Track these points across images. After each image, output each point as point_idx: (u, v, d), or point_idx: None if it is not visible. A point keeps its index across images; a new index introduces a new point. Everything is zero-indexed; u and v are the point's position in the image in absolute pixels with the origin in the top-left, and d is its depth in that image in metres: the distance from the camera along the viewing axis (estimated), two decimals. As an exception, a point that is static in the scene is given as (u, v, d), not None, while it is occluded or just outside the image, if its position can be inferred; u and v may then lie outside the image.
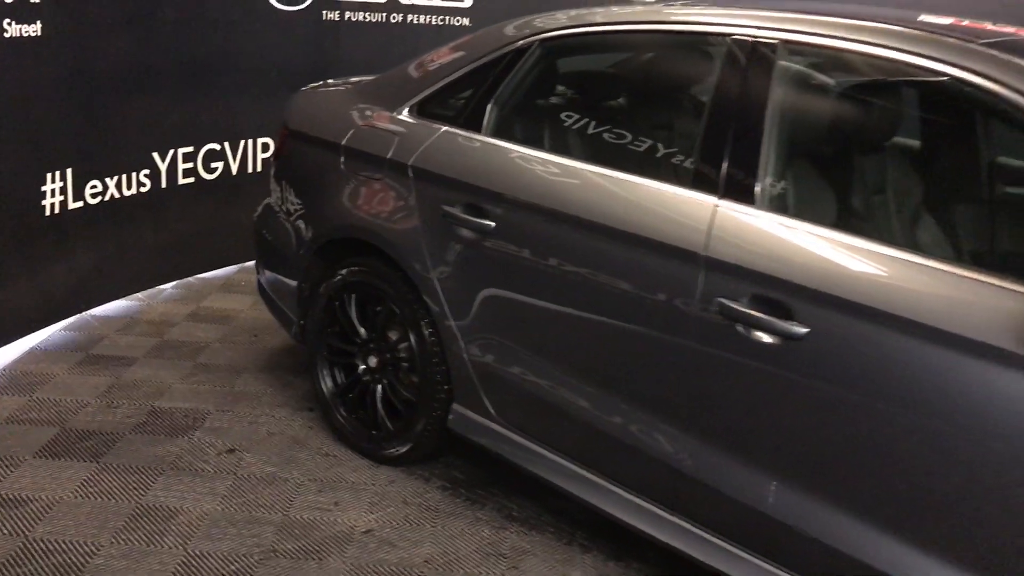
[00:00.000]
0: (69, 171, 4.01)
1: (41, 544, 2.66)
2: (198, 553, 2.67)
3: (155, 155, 4.48)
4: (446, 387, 2.96)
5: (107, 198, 4.24)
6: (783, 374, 2.16)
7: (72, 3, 3.87)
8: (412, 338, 3.01)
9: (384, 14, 5.30)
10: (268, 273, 3.59)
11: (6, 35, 3.57)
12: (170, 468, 3.11)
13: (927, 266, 2.00)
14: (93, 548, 2.66)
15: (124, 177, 4.32)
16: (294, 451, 3.26)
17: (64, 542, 2.68)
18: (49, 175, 3.90)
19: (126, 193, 4.35)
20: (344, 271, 3.17)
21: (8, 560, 2.57)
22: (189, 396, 3.61)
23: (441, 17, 5.28)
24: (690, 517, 2.42)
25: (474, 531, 2.88)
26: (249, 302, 4.52)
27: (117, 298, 4.45)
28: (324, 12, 5.17)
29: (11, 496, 2.87)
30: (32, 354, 3.89)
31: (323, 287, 3.23)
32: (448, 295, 2.86)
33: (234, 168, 4.91)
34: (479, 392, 2.87)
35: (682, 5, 2.77)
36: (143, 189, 4.45)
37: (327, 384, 3.30)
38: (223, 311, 4.49)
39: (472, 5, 5.24)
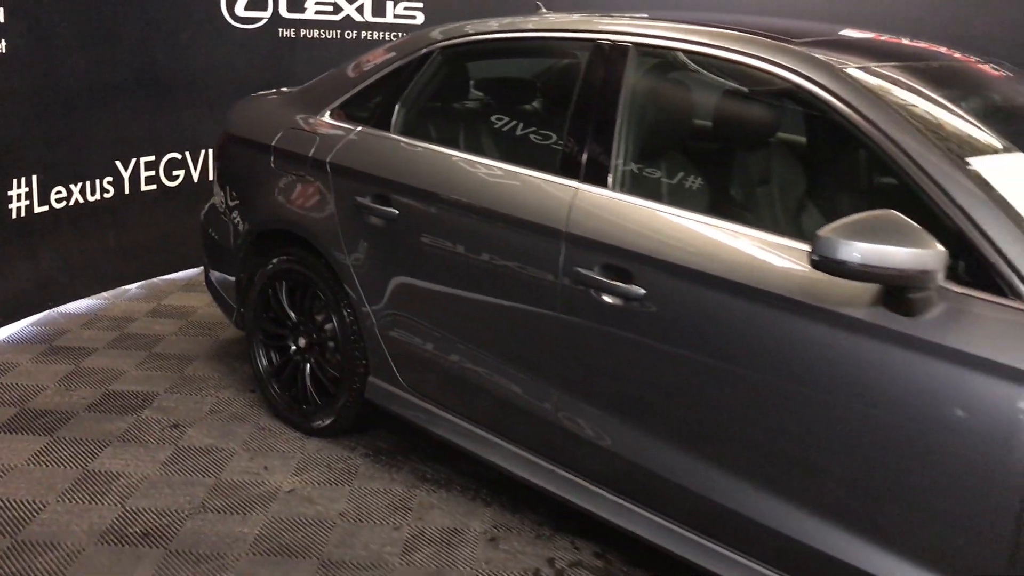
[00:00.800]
0: (35, 177, 4.34)
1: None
2: (134, 508, 2.99)
3: (118, 163, 4.82)
4: (364, 362, 3.28)
5: (71, 203, 4.58)
6: (628, 331, 2.48)
7: (37, 23, 4.22)
8: (335, 319, 3.33)
9: (339, 31, 5.66)
10: (212, 267, 3.92)
11: (-28, 53, 3.92)
12: (117, 440, 3.42)
13: (737, 231, 2.33)
14: (41, 505, 2.97)
15: (88, 184, 4.65)
16: (233, 426, 3.58)
17: (16, 501, 2.99)
18: (15, 181, 4.24)
19: (90, 199, 4.69)
20: (275, 260, 3.49)
21: (-37, 515, 2.89)
22: (142, 380, 3.93)
23: (394, 33, 5.63)
24: (563, 464, 2.74)
25: (388, 490, 3.19)
26: (207, 300, 4.83)
27: (83, 296, 4.78)
28: (280, 30, 5.53)
29: (-30, 464, 3.19)
30: (7, 344, 4.21)
31: (257, 276, 3.56)
32: (362, 278, 3.18)
33: (195, 176, 5.25)
34: (391, 365, 3.19)
35: (563, 15, 3.10)
36: (107, 196, 4.78)
37: (263, 364, 3.63)
38: (182, 308, 4.82)
39: (424, 21, 5.59)
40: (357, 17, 5.67)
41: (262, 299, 3.58)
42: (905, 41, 2.93)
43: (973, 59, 2.91)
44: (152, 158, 5.01)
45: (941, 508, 2.02)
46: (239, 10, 5.30)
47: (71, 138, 4.52)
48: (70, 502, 3.01)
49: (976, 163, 2.16)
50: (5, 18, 4.05)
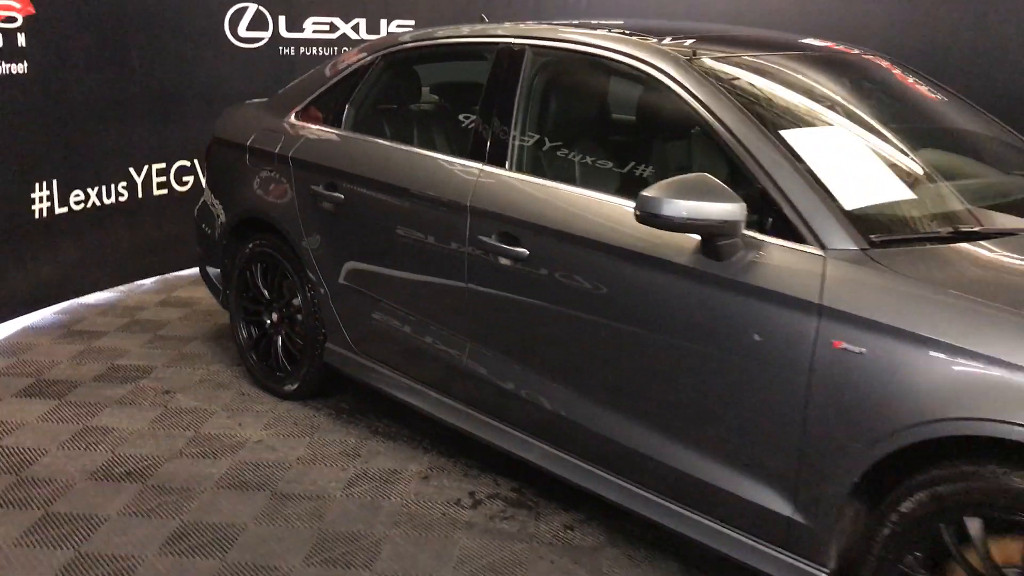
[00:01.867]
0: (55, 182, 4.91)
1: (4, 450, 3.50)
2: (122, 455, 3.49)
3: (131, 170, 5.38)
4: (322, 331, 3.76)
5: (89, 205, 5.14)
6: (518, 287, 2.92)
7: (55, 46, 4.79)
8: (299, 295, 3.82)
9: (335, 47, 6.18)
10: (204, 256, 4.44)
11: (-3, 73, 4.51)
12: (115, 404, 3.94)
13: (601, 199, 2.76)
14: (43, 452, 3.49)
15: (104, 188, 5.22)
16: (218, 392, 4.08)
17: (23, 448, 3.51)
18: (37, 184, 4.81)
19: (106, 202, 5.25)
20: (251, 245, 4.00)
21: (-22, 458, 3.42)
22: (144, 357, 4.45)
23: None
24: (477, 406, 3.18)
25: (342, 440, 3.66)
26: (211, 291, 5.37)
27: (101, 289, 5.35)
28: (280, 48, 6.07)
29: (-12, 421, 3.73)
30: (24, 330, 4.78)
31: (237, 260, 4.07)
32: (317, 256, 3.66)
33: (203, 182, 5.79)
34: (343, 331, 3.66)
35: (484, 24, 3.56)
36: (122, 199, 5.35)
37: (243, 337, 4.12)
38: (189, 299, 5.35)
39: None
40: (353, 35, 6.20)
41: (241, 280, 4.08)
42: (776, 36, 3.34)
43: (851, 51, 3.32)
44: (163, 165, 5.57)
45: (750, 421, 2.42)
46: (241, 31, 5.85)
47: (88, 148, 5.09)
48: (68, 450, 3.52)
49: (787, 135, 2.56)
50: (26, 42, 4.63)
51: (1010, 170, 3.08)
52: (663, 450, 2.62)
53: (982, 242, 2.40)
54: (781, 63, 3.03)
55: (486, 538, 3.00)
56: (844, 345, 2.21)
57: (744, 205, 2.35)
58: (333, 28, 6.18)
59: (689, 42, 2.99)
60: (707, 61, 2.82)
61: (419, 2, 6.34)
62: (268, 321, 4.03)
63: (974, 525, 2.07)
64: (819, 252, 2.32)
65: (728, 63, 2.87)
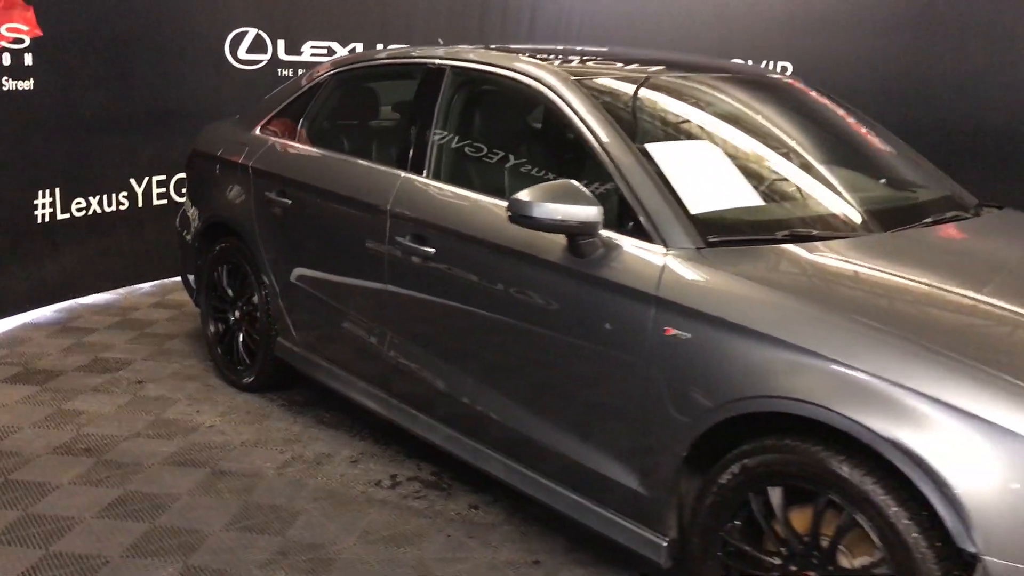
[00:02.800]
0: (57, 190, 5.33)
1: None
2: (85, 433, 3.84)
3: (132, 181, 5.79)
4: (275, 328, 4.08)
5: (90, 212, 5.55)
6: (426, 282, 3.21)
7: (60, 65, 5.21)
8: (256, 294, 4.15)
9: (333, 70, 6.54)
10: (183, 261, 4.80)
11: (4, 88, 4.93)
12: (91, 391, 4.30)
13: (493, 202, 3.04)
14: (15, 429, 3.85)
15: (105, 197, 5.63)
16: (185, 383, 4.42)
17: (-2, 426, 3.89)
18: (40, 192, 5.23)
19: (107, 209, 5.66)
20: (217, 248, 4.34)
21: (-44, 433, 3.79)
22: (127, 351, 4.82)
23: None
24: (392, 393, 3.47)
25: (287, 428, 3.97)
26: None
27: (101, 291, 5.74)
28: (279, 70, 6.46)
29: (-27, 402, 4.11)
30: (24, 325, 5.18)
31: (206, 261, 4.42)
32: (270, 258, 3.99)
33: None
34: (290, 327, 3.98)
35: (423, 47, 3.88)
36: (122, 207, 5.75)
37: (211, 333, 4.47)
38: (181, 302, 5.72)
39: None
40: (349, 57, 6.56)
41: (209, 281, 4.43)
42: (680, 57, 3.62)
43: (760, 73, 3.60)
44: (163, 177, 5.97)
45: (604, 402, 2.68)
46: (241, 53, 6.25)
47: (89, 159, 5.50)
48: (38, 428, 3.87)
49: (651, 147, 2.83)
50: (32, 61, 5.05)
51: (885, 181, 3.33)
52: (537, 430, 2.89)
53: (816, 244, 2.64)
54: (673, 82, 3.30)
55: (395, 513, 3.28)
56: (673, 331, 2.47)
57: (601, 208, 2.62)
58: (331, 52, 6.56)
59: (588, 62, 3.27)
60: (594, 80, 3.10)
61: (414, 25, 6.70)
62: (232, 318, 4.37)
63: (775, 494, 2.31)
64: (662, 250, 2.58)
65: (615, 80, 3.15)
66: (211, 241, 4.43)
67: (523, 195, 2.67)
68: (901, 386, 2.08)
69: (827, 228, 2.77)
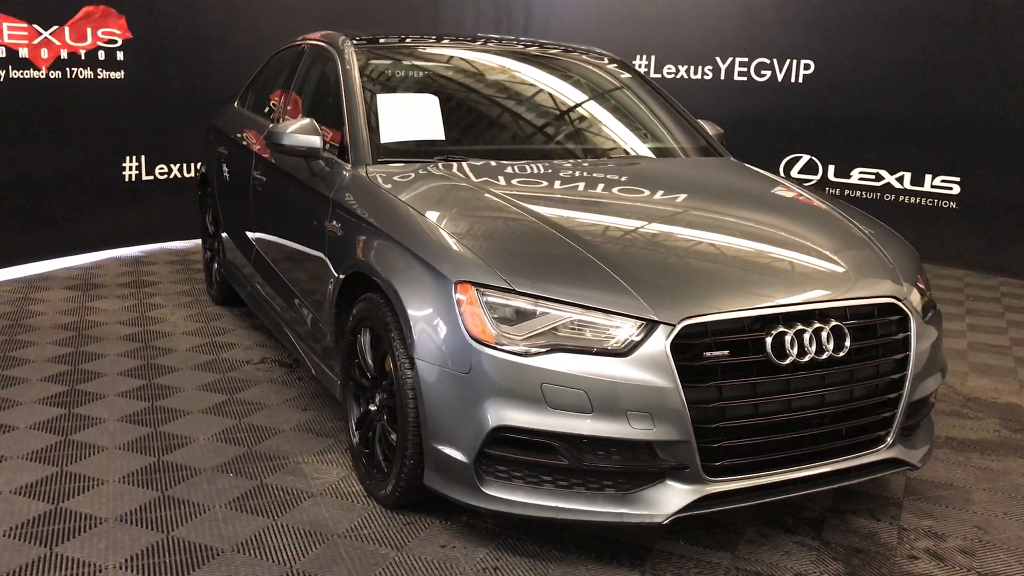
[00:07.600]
0: (143, 157, 6.90)
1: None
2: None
3: (209, 154, 7.28)
4: (222, 253, 5.32)
5: (171, 177, 7.10)
6: (262, 200, 4.31)
7: (147, 60, 6.78)
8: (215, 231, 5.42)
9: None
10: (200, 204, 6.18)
11: (100, 78, 6.55)
12: (114, 294, 5.74)
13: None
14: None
15: (184, 165, 7.16)
16: (182, 299, 5.76)
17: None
18: (128, 157, 6.82)
19: (186, 175, 7.19)
20: (200, 192, 5.68)
21: None
22: (164, 277, 6.26)
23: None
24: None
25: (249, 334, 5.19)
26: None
27: (177, 240, 7.28)
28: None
29: None
30: (110, 259, 6.77)
31: (201, 204, 5.76)
32: (220, 204, 5.24)
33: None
34: (224, 255, 5.20)
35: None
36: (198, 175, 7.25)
37: (205, 258, 5.80)
38: (236, 250, 7.14)
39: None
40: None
41: (203, 220, 5.77)
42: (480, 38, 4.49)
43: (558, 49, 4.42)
44: (236, 152, 7.42)
45: (313, 278, 3.66)
46: (307, 53, 7.60)
47: (171, 134, 7.03)
48: (61, 315, 5.33)
49: (381, 96, 3.77)
50: (123, 57, 6.65)
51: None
52: (289, 310, 3.91)
53: (452, 163, 3.49)
54: (442, 54, 4.21)
55: (254, 380, 4.36)
56: (334, 223, 3.42)
57: (322, 138, 3.60)
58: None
59: (406, 40, 4.26)
60: (375, 49, 4.08)
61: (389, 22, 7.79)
62: (215, 246, 5.68)
63: (365, 337, 3.20)
64: (348, 167, 3.53)
65: (390, 52, 4.11)
66: (203, 188, 5.77)
67: (274, 127, 3.70)
68: (413, 254, 2.92)
69: (493, 158, 3.60)
